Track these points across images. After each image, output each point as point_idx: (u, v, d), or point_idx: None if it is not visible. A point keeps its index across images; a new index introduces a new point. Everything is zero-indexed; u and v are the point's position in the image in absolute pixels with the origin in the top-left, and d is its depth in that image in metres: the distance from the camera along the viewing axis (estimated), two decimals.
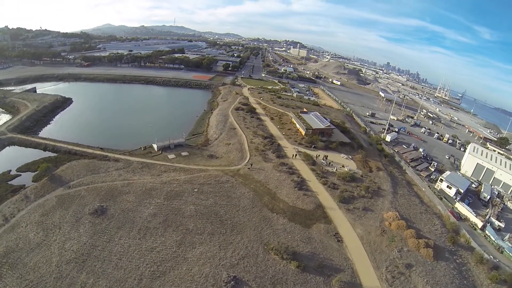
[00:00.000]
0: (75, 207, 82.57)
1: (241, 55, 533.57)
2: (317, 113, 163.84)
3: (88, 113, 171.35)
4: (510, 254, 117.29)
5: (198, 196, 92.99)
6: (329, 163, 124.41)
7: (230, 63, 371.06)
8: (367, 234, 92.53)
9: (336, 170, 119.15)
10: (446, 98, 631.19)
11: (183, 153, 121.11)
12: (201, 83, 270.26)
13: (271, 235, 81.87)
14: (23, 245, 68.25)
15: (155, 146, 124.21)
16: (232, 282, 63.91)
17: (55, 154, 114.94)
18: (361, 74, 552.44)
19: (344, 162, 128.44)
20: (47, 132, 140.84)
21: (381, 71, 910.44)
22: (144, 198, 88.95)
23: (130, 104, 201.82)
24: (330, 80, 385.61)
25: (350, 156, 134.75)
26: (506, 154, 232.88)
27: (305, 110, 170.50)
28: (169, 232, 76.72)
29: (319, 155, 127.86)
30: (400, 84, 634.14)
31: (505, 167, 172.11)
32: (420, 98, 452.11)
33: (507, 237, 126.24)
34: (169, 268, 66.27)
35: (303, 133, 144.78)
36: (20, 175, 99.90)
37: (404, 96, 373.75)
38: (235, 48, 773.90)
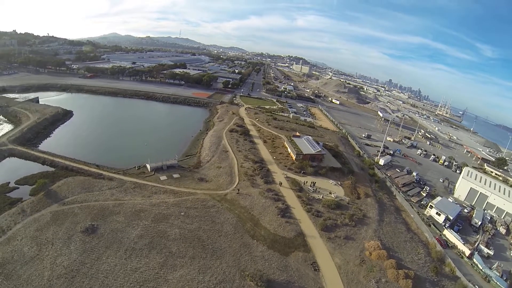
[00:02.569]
0: (68, 224, 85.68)
1: (243, 71, 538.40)
2: (309, 137, 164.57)
3: (87, 128, 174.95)
4: (497, 283, 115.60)
5: (184, 220, 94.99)
6: (316, 189, 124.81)
7: (230, 80, 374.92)
8: (346, 263, 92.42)
9: (322, 197, 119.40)
10: (447, 115, 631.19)
11: (175, 175, 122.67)
12: (199, 101, 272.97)
13: (248, 262, 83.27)
14: (17, 258, 71.78)
15: (148, 166, 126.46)
16: None
17: (53, 169, 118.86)
18: (361, 93, 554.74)
19: (332, 189, 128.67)
20: (46, 145, 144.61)
21: (383, 89, 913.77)
22: (133, 219, 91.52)
23: (128, 120, 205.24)
24: (330, 99, 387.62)
25: (339, 182, 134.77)
26: (503, 175, 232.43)
27: (297, 134, 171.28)
28: (153, 254, 79.41)
29: (306, 182, 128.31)
30: (401, 102, 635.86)
31: (499, 191, 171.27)
32: (420, 116, 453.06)
33: (495, 265, 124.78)
34: None
35: (294, 157, 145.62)
36: (18, 187, 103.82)
37: (403, 115, 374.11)
38: (238, 63, 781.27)
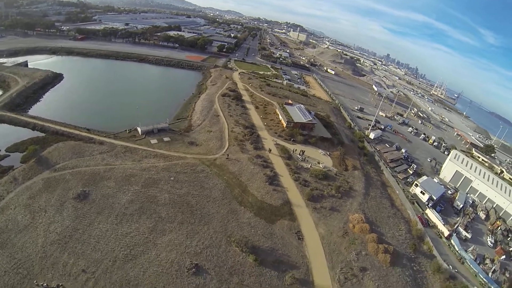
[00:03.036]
0: (60, 191, 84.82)
1: (238, 35, 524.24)
2: (302, 105, 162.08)
3: (78, 91, 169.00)
4: (470, 266, 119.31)
5: (173, 185, 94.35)
6: (305, 158, 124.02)
7: (226, 44, 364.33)
8: (329, 234, 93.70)
9: (310, 166, 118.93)
10: (442, 96, 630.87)
11: (165, 139, 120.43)
12: (193, 64, 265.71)
13: (235, 228, 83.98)
14: (12, 227, 72.07)
15: (139, 129, 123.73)
16: (194, 269, 68.67)
17: (43, 134, 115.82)
18: (357, 65, 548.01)
19: (321, 158, 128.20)
20: (36, 110, 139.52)
21: (380, 63, 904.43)
22: (123, 185, 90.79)
23: (120, 83, 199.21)
24: (325, 68, 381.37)
25: (328, 152, 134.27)
26: (489, 162, 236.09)
27: (290, 101, 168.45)
28: (143, 219, 79.93)
29: (296, 150, 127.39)
30: (397, 78, 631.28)
31: (484, 177, 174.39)
32: (414, 94, 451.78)
33: (471, 248, 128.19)
34: (140, 252, 71.11)
35: (285, 125, 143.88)
36: (9, 155, 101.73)
37: (398, 92, 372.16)
38: (234, 27, 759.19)
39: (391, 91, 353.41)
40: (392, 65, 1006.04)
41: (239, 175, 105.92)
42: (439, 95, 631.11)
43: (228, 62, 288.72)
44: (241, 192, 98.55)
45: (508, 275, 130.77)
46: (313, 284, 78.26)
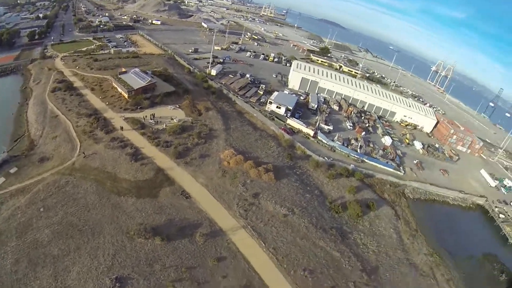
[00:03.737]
0: None
1: (48, 13, 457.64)
2: (136, 69, 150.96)
3: None
4: (341, 150, 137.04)
5: (46, 215, 77.99)
6: (158, 121, 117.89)
7: (36, 29, 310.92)
8: (210, 180, 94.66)
9: (165, 125, 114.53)
10: (272, 15, 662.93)
11: (12, 170, 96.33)
12: (5, 68, 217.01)
13: (127, 220, 77.83)
14: None
15: None
16: (117, 284, 63.05)
17: None
18: (182, 7, 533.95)
19: (173, 114, 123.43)
20: None
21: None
22: None
23: None
24: (150, 21, 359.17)
25: (177, 105, 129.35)
26: (328, 61, 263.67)
27: (123, 70, 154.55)
28: (40, 271, 65.53)
29: (146, 116, 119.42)
30: (225, 9, 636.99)
31: (327, 76, 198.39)
32: (245, 20, 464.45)
33: (336, 137, 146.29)
34: None
35: (126, 96, 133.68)
36: None
37: (228, 22, 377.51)
38: (41, 4, 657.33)
39: (221, 23, 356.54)
40: None
41: (104, 167, 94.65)
42: (269, 15, 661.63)
43: (45, 50, 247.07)
44: (113, 182, 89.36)
45: (372, 145, 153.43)
46: (222, 230, 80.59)
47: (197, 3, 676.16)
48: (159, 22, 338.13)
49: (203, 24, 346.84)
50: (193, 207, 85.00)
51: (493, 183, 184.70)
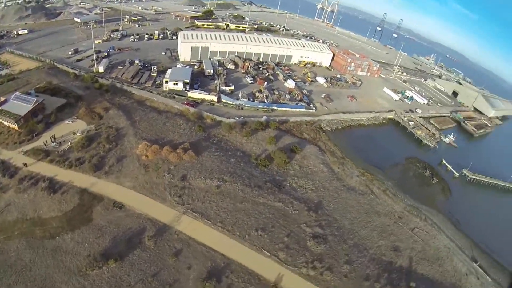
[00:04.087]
0: None
1: None
2: (17, 93, 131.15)
3: None
4: (248, 106, 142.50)
5: None
6: (60, 141, 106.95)
7: None
8: (136, 180, 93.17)
9: (70, 143, 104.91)
10: None
11: None
12: None
13: (74, 259, 72.00)
14: None
15: None
16: None
17: None
18: (47, 6, 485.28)
19: (73, 127, 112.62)
20: None
21: None
22: None
23: None
24: (15, 32, 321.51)
25: (75, 116, 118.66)
26: (213, 23, 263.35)
27: (2, 99, 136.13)
28: None
29: (46, 141, 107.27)
30: None
31: (216, 39, 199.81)
32: (119, 3, 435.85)
33: (240, 95, 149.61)
34: None
35: (16, 127, 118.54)
36: None
37: (102, 10, 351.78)
38: None
39: (95, 13, 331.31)
40: None
41: (25, 215, 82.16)
42: None
43: None
44: (41, 227, 79.78)
45: (277, 92, 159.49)
46: (166, 225, 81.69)
47: None
48: (26, 31, 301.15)
49: (75, 19, 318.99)
50: (130, 214, 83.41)
51: (396, 97, 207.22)
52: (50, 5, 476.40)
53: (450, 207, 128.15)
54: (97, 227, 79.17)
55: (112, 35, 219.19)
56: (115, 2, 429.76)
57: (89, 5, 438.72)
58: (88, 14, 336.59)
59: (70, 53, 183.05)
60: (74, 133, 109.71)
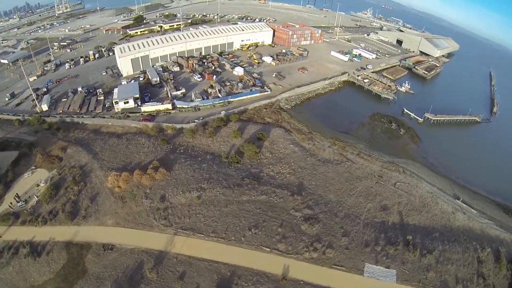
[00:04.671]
0: None
1: None
2: None
3: None
4: (204, 105, 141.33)
5: None
6: (25, 199, 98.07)
7: None
8: (117, 216, 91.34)
9: (36, 197, 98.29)
10: (69, 10, 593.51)
11: None
12: None
13: None
14: None
15: None
16: None
17: None
18: None
19: (35, 178, 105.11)
20: None
21: None
22: None
23: None
24: None
25: (33, 166, 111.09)
26: (147, 29, 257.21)
27: None
28: None
29: (11, 203, 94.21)
30: (16, 29, 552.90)
31: (153, 44, 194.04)
32: (43, 31, 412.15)
33: (193, 96, 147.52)
34: None
35: None
36: None
37: (28, 43, 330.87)
38: None
39: (21, 49, 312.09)
40: None
41: None
42: (66, 11, 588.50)
43: None
44: None
45: (229, 83, 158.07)
46: (162, 251, 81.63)
47: None
48: None
49: (1, 60, 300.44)
50: (123, 253, 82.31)
51: (345, 58, 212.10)
52: None
53: (422, 153, 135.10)
54: (94, 277, 77.43)
55: (45, 68, 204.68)
56: (39, 31, 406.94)
57: (12, 41, 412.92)
58: (14, 52, 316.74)
59: (6, 99, 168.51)
60: (38, 185, 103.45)
